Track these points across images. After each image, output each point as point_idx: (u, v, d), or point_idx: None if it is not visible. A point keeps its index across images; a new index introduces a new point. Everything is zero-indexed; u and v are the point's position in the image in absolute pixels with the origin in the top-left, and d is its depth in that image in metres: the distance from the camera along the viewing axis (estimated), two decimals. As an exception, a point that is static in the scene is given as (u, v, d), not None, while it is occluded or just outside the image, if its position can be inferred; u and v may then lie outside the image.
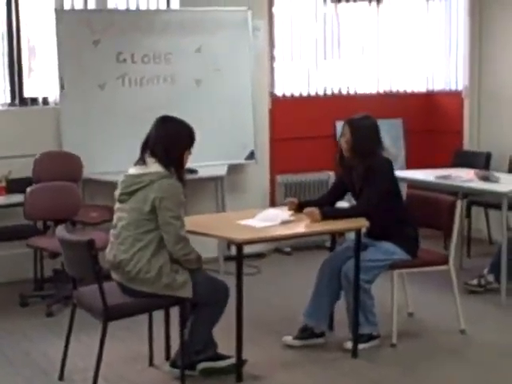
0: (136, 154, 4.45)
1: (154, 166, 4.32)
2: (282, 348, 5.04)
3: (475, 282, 6.22)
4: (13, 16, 6.65)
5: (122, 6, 7.03)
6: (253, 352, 4.80)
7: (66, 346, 4.53)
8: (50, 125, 6.67)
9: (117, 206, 4.42)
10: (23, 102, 6.76)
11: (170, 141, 4.37)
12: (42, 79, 6.89)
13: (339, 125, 7.31)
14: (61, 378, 4.53)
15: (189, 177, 6.56)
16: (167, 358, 4.78)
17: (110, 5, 6.99)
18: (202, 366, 4.52)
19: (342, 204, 5.33)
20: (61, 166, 6.31)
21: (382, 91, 8.44)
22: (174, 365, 4.54)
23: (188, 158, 4.47)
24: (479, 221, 7.85)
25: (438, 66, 8.62)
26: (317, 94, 8.06)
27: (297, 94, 7.95)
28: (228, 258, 6.74)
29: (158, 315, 4.74)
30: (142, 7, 7.11)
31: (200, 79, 7.13)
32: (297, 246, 7.62)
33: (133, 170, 4.39)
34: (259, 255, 7.34)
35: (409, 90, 8.61)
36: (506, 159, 7.48)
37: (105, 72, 6.73)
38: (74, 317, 4.49)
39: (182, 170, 4.43)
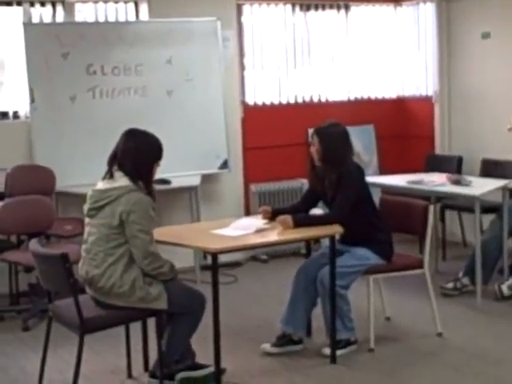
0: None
1: (121, 180, 4.30)
2: (260, 356, 5.04)
3: (451, 285, 6.26)
4: (-19, 30, 6.61)
5: (90, 19, 7.02)
6: (231, 360, 4.81)
7: (43, 361, 4.49)
8: (21, 138, 6.64)
9: (86, 220, 4.41)
10: (-6, 116, 6.73)
11: (138, 154, 4.34)
12: (12, 93, 6.85)
13: (311, 132, 7.35)
14: (39, 392, 4.50)
15: (162, 187, 6.63)
16: (146, 369, 4.76)
17: (79, 17, 6.98)
18: (180, 375, 4.51)
19: (317, 211, 5.34)
20: (33, 180, 6.26)
21: (352, 98, 8.48)
22: (152, 376, 4.52)
23: (156, 170, 4.45)
24: (453, 224, 7.90)
25: (407, 71, 8.67)
26: (288, 102, 8.08)
27: (268, 102, 7.96)
28: (205, 268, 6.72)
29: (135, 327, 4.71)
30: (111, 19, 7.11)
31: (171, 90, 7.13)
32: (273, 254, 7.64)
33: (100, 185, 4.37)
34: (236, 264, 7.35)
35: (379, 97, 8.66)
36: (477, 163, 7.54)
37: (75, 84, 6.70)
38: (50, 330, 4.45)
39: (151, 184, 4.41)
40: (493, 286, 6.12)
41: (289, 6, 8.00)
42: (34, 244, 4.44)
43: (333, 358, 4.91)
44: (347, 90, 8.44)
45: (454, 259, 7.21)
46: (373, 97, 8.61)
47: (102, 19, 7.07)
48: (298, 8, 8.06)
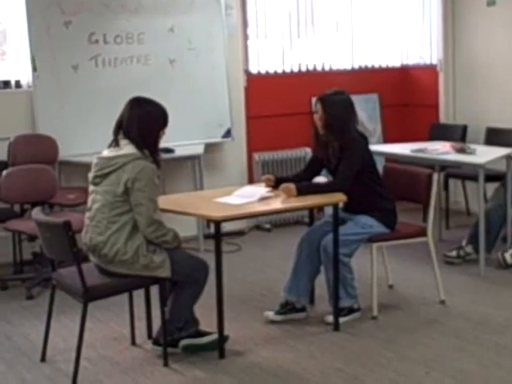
0: (110, 134, 4.42)
1: (127, 148, 4.30)
2: (263, 323, 5.05)
3: (454, 253, 6.26)
4: (-18, -1, 6.58)
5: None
6: (235, 328, 4.83)
7: (47, 328, 4.52)
8: (23, 107, 6.61)
9: (91, 188, 4.40)
10: (-4, 85, 6.71)
11: (144, 122, 4.33)
12: (15, 62, 6.82)
13: (315, 100, 7.31)
14: (43, 359, 4.53)
15: (166, 156, 6.59)
16: (149, 336, 4.78)
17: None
18: (184, 343, 4.53)
19: (320, 179, 5.33)
20: (36, 149, 6.25)
21: (356, 67, 8.43)
22: (156, 343, 4.55)
23: (161, 138, 4.45)
24: (457, 193, 7.90)
25: (412, 40, 8.62)
26: (292, 70, 8.04)
27: (272, 71, 7.92)
28: (208, 236, 6.74)
29: (139, 295, 4.73)
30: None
31: (174, 59, 7.09)
32: (276, 223, 7.65)
33: (106, 153, 4.37)
34: (239, 233, 7.36)
35: (384, 65, 8.60)
36: (481, 131, 7.52)
37: (77, 53, 6.66)
38: (53, 299, 4.48)
39: (157, 151, 4.41)
40: (496, 254, 6.13)
41: (292, -26, 7.94)
42: (36, 212, 4.44)
43: (336, 326, 4.92)
44: (351, 59, 8.39)
45: (457, 228, 7.21)
46: (377, 65, 8.56)
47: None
48: (301, -24, 8.00)
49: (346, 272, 5.01)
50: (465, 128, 7.67)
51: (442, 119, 8.23)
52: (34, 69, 6.51)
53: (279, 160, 7.73)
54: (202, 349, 4.54)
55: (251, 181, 7.49)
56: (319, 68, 8.18)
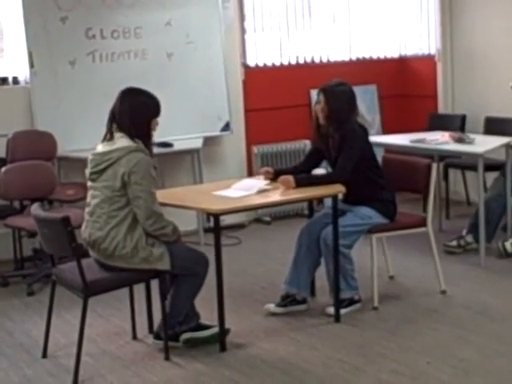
0: (108, 129, 4.42)
1: (121, 141, 4.28)
2: (264, 316, 5.05)
3: (454, 243, 6.26)
4: (-22, -4, 6.56)
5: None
6: (236, 321, 4.83)
7: (48, 324, 4.53)
8: (21, 104, 6.60)
9: (89, 184, 4.40)
10: (-7, 82, 6.70)
11: (135, 111, 4.33)
12: (12, 59, 6.81)
13: (314, 93, 7.32)
14: (44, 355, 4.53)
15: (165, 150, 6.63)
16: (150, 330, 4.78)
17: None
18: (185, 336, 4.53)
19: (319, 171, 5.33)
20: (34, 145, 6.25)
21: (354, 58, 8.42)
22: (157, 337, 4.55)
23: (155, 128, 4.43)
24: (457, 183, 7.90)
25: (410, 30, 8.60)
26: (290, 63, 8.03)
27: (269, 63, 7.91)
28: (208, 230, 6.73)
29: (139, 289, 4.73)
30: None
31: (171, 53, 7.09)
32: (276, 215, 7.65)
33: (100, 148, 4.36)
34: (239, 226, 7.36)
35: (382, 56, 8.59)
36: (480, 121, 7.51)
37: (74, 49, 6.66)
38: (54, 294, 4.48)
39: (150, 141, 4.40)
40: (496, 244, 6.13)
41: (289, -34, 7.93)
42: (35, 208, 4.44)
43: (337, 317, 4.92)
44: (349, 50, 8.37)
45: (457, 218, 7.21)
46: (375, 56, 8.55)
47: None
48: (298, -33, 7.98)
49: (347, 263, 5.01)
50: (464, 118, 7.66)
51: (441, 109, 8.22)
52: (32, 65, 6.51)
53: (278, 153, 7.72)
54: (203, 342, 4.55)
55: (250, 174, 7.48)
56: (317, 60, 8.16)
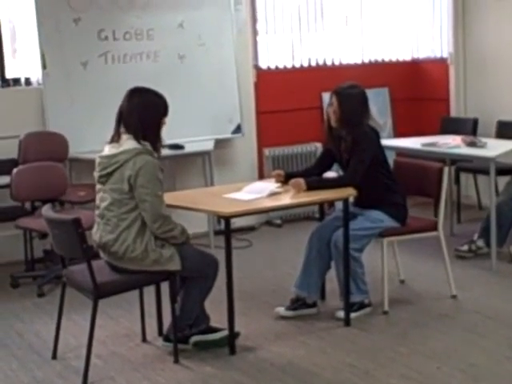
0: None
1: (127, 143, 4.26)
2: (274, 319, 5.04)
3: (465, 247, 6.23)
4: (-8, -3, 6.59)
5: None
6: (245, 324, 4.83)
7: (58, 326, 4.53)
8: (33, 105, 6.62)
9: (98, 186, 4.39)
10: (6, 82, 6.70)
11: (142, 111, 4.29)
12: (24, 60, 6.84)
13: (325, 96, 7.31)
14: (54, 356, 4.54)
15: (176, 152, 6.63)
16: (160, 333, 4.78)
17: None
18: (194, 339, 4.53)
19: (330, 174, 5.32)
20: (46, 146, 6.25)
21: (367, 61, 8.40)
22: (167, 339, 4.55)
23: (162, 128, 4.39)
24: (469, 187, 7.87)
25: (422, 33, 8.58)
26: (302, 65, 8.02)
27: (281, 66, 7.90)
28: (219, 233, 6.72)
29: (149, 291, 4.73)
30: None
31: (183, 55, 7.09)
32: (287, 218, 7.64)
33: (107, 150, 4.34)
34: (250, 228, 7.36)
35: (394, 59, 8.57)
36: (492, 124, 7.48)
37: (87, 50, 6.67)
38: (64, 296, 4.49)
39: (159, 142, 4.37)
40: (508, 248, 6.11)
41: (301, -32, 7.92)
42: (46, 209, 4.45)
43: (347, 321, 4.91)
44: (361, 53, 8.36)
45: (468, 222, 7.19)
46: (387, 59, 8.53)
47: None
48: (310, -30, 7.97)
49: (357, 267, 5.00)
50: (476, 121, 7.63)
51: (453, 113, 8.20)
52: (44, 66, 6.52)
53: (289, 155, 7.71)
54: (213, 345, 4.54)
55: (261, 176, 7.47)
56: (329, 62, 8.15)
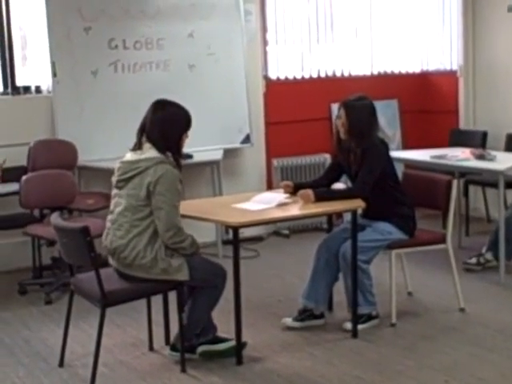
0: (130, 140, 4.43)
1: (150, 152, 4.29)
2: (281, 330, 5.03)
3: (474, 260, 6.21)
4: (3, 5, 6.60)
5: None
6: (253, 334, 4.82)
7: (65, 333, 4.53)
8: (43, 113, 6.65)
9: (114, 191, 4.41)
10: (16, 90, 6.72)
11: (166, 124, 4.33)
12: (35, 68, 6.86)
13: (334, 107, 7.32)
14: (61, 364, 4.53)
15: (185, 162, 6.54)
16: (167, 342, 4.77)
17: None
18: (201, 349, 4.52)
19: (339, 185, 5.32)
20: (55, 154, 6.28)
21: (376, 72, 8.41)
22: (174, 349, 4.54)
23: (185, 141, 4.44)
24: (477, 199, 7.86)
25: (432, 45, 8.58)
26: (311, 76, 8.02)
27: (291, 77, 7.91)
28: (227, 242, 6.74)
29: (156, 300, 4.73)
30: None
31: (193, 64, 7.11)
32: (295, 229, 7.63)
33: (129, 156, 4.37)
34: (258, 238, 7.35)
35: (403, 71, 8.58)
36: (502, 137, 7.47)
37: (97, 59, 6.70)
38: (72, 303, 4.48)
39: (180, 155, 4.41)
40: (516, 262, 6.09)
41: (312, -20, 7.93)
42: (55, 217, 4.46)
43: (354, 333, 4.90)
44: (371, 65, 8.37)
45: (477, 235, 7.17)
46: (397, 71, 8.53)
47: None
48: (320, -19, 7.98)
49: (365, 279, 4.98)
50: (485, 134, 7.62)
51: (462, 125, 8.19)
52: (54, 74, 6.55)
53: (298, 166, 7.71)
54: (220, 355, 4.54)
55: (270, 187, 7.48)
56: (338, 74, 8.16)
